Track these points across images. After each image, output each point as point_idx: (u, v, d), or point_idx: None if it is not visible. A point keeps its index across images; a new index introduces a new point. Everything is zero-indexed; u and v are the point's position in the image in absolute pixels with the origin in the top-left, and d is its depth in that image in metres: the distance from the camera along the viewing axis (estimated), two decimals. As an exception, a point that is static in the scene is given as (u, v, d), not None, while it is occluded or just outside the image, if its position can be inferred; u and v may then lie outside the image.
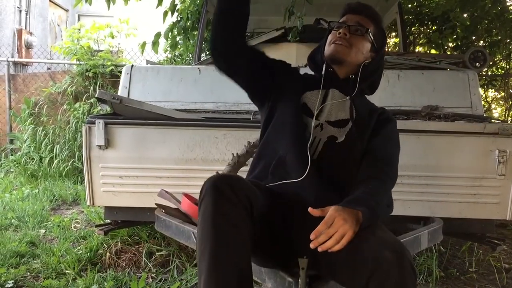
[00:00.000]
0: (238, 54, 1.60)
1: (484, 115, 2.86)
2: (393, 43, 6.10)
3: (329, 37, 1.68)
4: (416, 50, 5.73)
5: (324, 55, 1.68)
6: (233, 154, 2.06)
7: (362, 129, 1.62)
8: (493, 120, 2.72)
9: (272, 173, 1.56)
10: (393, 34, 5.89)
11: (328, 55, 1.65)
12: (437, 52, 5.28)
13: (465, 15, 4.90)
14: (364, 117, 1.64)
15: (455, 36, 5.22)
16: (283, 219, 1.45)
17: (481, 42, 5.38)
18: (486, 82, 5.76)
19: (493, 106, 6.28)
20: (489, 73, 5.86)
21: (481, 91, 4.77)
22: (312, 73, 1.79)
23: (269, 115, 1.67)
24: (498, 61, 5.82)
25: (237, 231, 1.21)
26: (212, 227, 1.20)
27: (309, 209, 1.31)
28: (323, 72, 1.67)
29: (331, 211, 1.29)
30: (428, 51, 5.66)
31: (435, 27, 5.55)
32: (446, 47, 5.36)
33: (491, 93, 6.17)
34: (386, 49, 4.08)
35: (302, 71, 1.81)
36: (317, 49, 1.77)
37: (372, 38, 1.66)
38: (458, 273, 2.88)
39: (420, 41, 5.99)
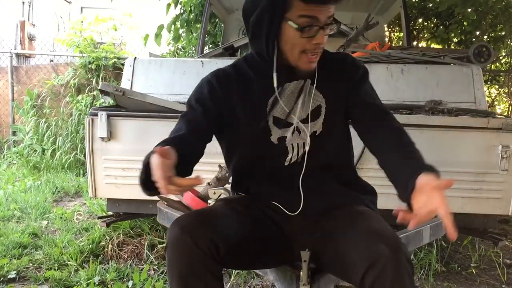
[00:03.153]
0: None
1: (488, 110, 2.85)
2: (397, 37, 6.07)
3: (297, 40, 1.28)
4: (420, 45, 5.71)
5: (273, 51, 1.32)
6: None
7: (333, 101, 1.41)
8: (496, 116, 2.71)
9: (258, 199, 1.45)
10: (397, 28, 5.86)
11: (302, 69, 1.33)
12: (441, 47, 5.26)
13: (469, 10, 4.87)
14: (330, 86, 1.41)
15: (459, 31, 5.20)
16: (276, 219, 1.42)
17: (485, 37, 5.35)
18: (490, 77, 5.74)
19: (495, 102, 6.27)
20: (493, 68, 5.84)
21: (484, 86, 4.75)
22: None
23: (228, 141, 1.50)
24: (501, 57, 5.80)
25: (200, 278, 1.19)
26: (178, 277, 1.20)
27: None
28: (275, 78, 1.34)
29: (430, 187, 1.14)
30: (431, 46, 5.63)
31: (440, 21, 5.53)
32: (450, 42, 5.34)
33: (494, 89, 6.16)
34: (390, 44, 4.07)
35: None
36: (256, 30, 1.33)
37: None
38: (459, 268, 2.89)
39: (424, 36, 5.96)
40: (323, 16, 1.26)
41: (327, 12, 1.26)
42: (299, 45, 1.29)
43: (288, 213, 1.40)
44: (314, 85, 1.38)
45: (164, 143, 1.24)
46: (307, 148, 1.39)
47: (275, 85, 1.35)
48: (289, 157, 1.40)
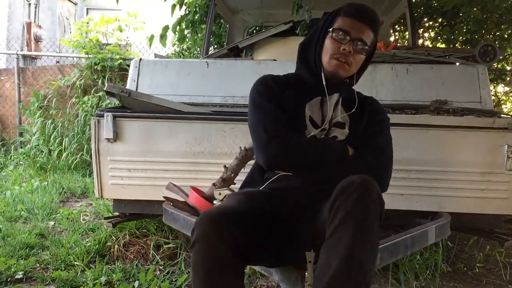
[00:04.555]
0: None
1: (494, 109, 2.83)
2: (402, 37, 6.05)
3: (330, 46, 1.61)
4: (425, 44, 5.68)
5: (320, 60, 1.64)
6: (240, 147, 2.05)
7: (356, 122, 1.66)
8: (502, 115, 2.69)
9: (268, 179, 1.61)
10: (402, 28, 5.84)
11: (330, 71, 1.62)
12: (446, 46, 5.23)
13: (474, 9, 4.84)
14: (356, 111, 1.67)
15: (465, 30, 5.17)
16: (284, 218, 1.46)
17: (491, 36, 5.32)
18: (496, 76, 5.70)
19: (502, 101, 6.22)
20: (499, 66, 5.79)
21: (490, 85, 4.73)
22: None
23: None
24: (508, 56, 5.76)
25: (225, 275, 1.26)
26: (203, 274, 1.26)
27: None
28: (323, 82, 1.63)
29: None
30: (436, 45, 5.61)
31: (445, 21, 5.50)
32: (455, 41, 5.31)
33: (501, 87, 6.11)
34: (396, 43, 4.06)
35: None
36: (307, 46, 1.71)
37: (369, 51, 1.64)
38: (465, 268, 2.88)
39: (430, 35, 5.93)
40: (354, 32, 1.57)
41: (359, 32, 1.57)
42: (331, 50, 1.59)
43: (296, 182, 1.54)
44: (340, 102, 1.67)
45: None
46: None
47: (323, 82, 1.63)
48: None
